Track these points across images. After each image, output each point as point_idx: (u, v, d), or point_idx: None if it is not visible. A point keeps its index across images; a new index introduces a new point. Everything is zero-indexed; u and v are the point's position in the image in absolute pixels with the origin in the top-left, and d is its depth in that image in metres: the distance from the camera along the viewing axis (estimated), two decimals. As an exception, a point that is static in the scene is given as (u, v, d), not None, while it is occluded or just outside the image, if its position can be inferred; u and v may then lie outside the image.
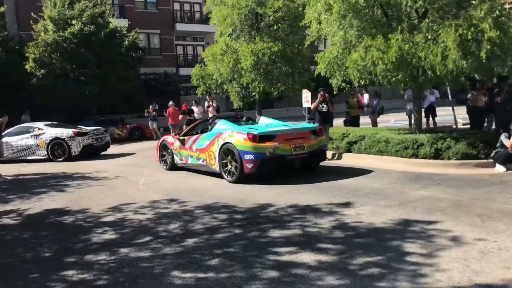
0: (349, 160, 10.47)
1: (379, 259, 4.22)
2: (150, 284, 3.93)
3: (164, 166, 10.92)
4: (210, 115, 16.99)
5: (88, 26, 21.86)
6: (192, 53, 37.46)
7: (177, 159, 10.45)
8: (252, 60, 14.02)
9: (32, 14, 22.65)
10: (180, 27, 35.03)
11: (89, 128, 15.03)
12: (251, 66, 14.13)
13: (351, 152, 10.82)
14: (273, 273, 4.00)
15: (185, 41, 37.17)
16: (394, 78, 9.04)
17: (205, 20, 36.60)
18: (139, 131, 21.65)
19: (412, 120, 15.64)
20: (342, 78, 10.55)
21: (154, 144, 16.65)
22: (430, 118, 15.44)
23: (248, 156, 8.11)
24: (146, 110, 21.09)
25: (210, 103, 16.81)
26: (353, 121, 14.88)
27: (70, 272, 4.29)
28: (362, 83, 9.71)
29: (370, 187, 7.35)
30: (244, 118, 10.38)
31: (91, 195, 8.06)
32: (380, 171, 8.83)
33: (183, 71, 34.89)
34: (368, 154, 10.29)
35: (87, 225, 6.04)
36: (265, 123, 9.74)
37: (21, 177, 11.08)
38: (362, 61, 9.12)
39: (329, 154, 10.91)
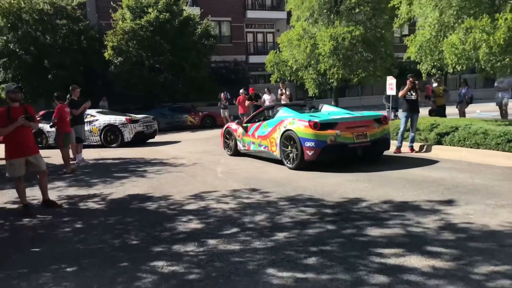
0: (439, 152, 9.62)
1: (507, 269, 3.60)
2: (246, 281, 3.61)
3: (228, 152, 11.12)
4: (283, 103, 16.64)
5: (164, 13, 22.18)
6: (262, 41, 37.13)
7: (240, 145, 10.59)
8: (331, 45, 13.36)
9: (112, 3, 23.37)
10: (251, 14, 34.76)
11: (139, 116, 15.24)
12: (330, 51, 13.49)
13: (441, 144, 9.96)
14: (382, 278, 3.53)
15: (256, 29, 36.88)
16: (499, 63, 8.10)
17: (276, 6, 36.20)
18: (211, 119, 21.74)
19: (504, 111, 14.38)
20: (433, 64, 9.71)
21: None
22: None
23: (309, 144, 8.06)
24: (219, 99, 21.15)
25: (283, 91, 16.37)
26: (439, 111, 13.80)
27: (159, 263, 4.08)
28: (459, 68, 8.83)
29: (472, 184, 6.59)
30: (307, 106, 10.28)
31: (172, 182, 7.96)
32: (478, 166, 7.98)
33: (252, 59, 34.79)
34: (461, 146, 9.40)
35: (171, 212, 5.87)
36: (328, 111, 9.53)
37: (101, 161, 11.33)
38: (461, 44, 8.26)
39: (416, 146, 10.17)
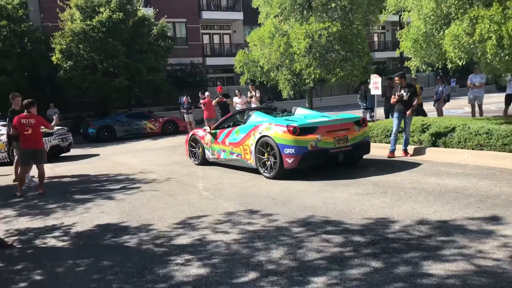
0: (437, 155, 8.85)
1: None
2: None
3: (195, 161, 10.19)
4: (253, 106, 15.56)
5: (117, 13, 20.52)
6: (219, 42, 36.03)
7: (208, 154, 9.71)
8: (307, 43, 12.40)
9: (58, 2, 21.42)
10: (206, 15, 33.53)
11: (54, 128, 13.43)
12: (305, 49, 12.52)
13: (436, 146, 9.22)
14: None
15: (212, 30, 35.78)
16: (508, 57, 7.37)
17: (232, 7, 35.12)
18: (172, 125, 20.28)
19: (476, 109, 13.98)
20: (427, 59, 8.95)
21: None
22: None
23: (288, 150, 7.43)
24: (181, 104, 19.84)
25: (253, 92, 15.28)
26: (418, 109, 13.19)
27: None
28: (461, 63, 8.07)
29: (503, 193, 5.76)
30: (279, 110, 9.58)
31: (148, 204, 6.65)
32: (492, 170, 7.22)
33: (210, 61, 33.66)
34: (461, 148, 8.67)
35: (159, 250, 4.61)
36: (303, 114, 8.80)
37: (56, 179, 9.76)
38: (466, 36, 7.47)
39: (410, 149, 9.35)
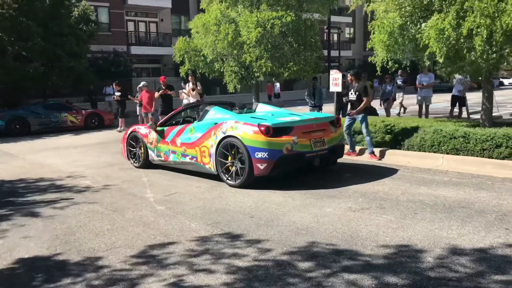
0: (408, 159, 8.17)
1: None
2: None
3: (135, 164, 8.70)
4: (191, 100, 14.14)
5: (32, -12, 17.92)
6: (144, 30, 33.74)
7: (152, 155, 8.29)
8: (258, 33, 11.24)
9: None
10: (131, 0, 31.14)
11: None
12: (256, 39, 11.36)
13: (404, 149, 8.57)
14: None
15: (137, 17, 33.42)
16: (495, 55, 6.79)
17: (159, -7, 32.98)
18: (96, 118, 18.09)
19: (423, 110, 13.80)
20: (395, 55, 8.24)
21: (119, 135, 13.65)
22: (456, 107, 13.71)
23: (260, 154, 6.32)
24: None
25: (194, 85, 13.86)
26: (369, 109, 12.64)
27: None
28: (441, 60, 7.39)
29: (517, 209, 5.07)
30: (237, 105, 8.46)
31: (87, 225, 5.12)
32: (481, 178, 6.61)
33: (135, 50, 31.40)
34: (434, 152, 8.06)
35: (122, 306, 3.22)
36: (268, 112, 7.78)
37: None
38: (452, 30, 6.78)
39: (376, 151, 8.62)
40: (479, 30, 6.56)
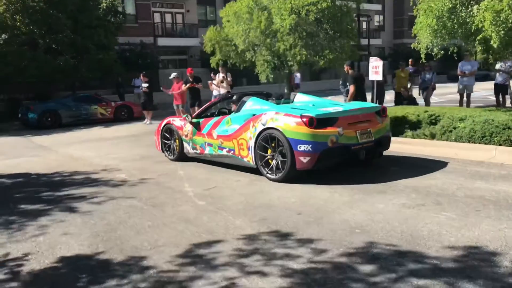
0: (456, 151, 7.68)
1: None
2: None
3: (169, 156, 8.47)
4: (222, 91, 13.88)
5: (61, -19, 17.92)
6: (171, 22, 33.64)
7: (188, 148, 8.02)
8: (292, 20, 10.85)
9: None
10: (158, -9, 31.10)
11: None
12: (290, 27, 10.97)
13: (454, 140, 8.09)
14: None
15: (163, 8, 33.33)
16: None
17: (185, -17, 32.80)
18: (126, 110, 18.05)
19: (465, 99, 13.18)
20: (443, 41, 7.75)
21: (150, 128, 13.53)
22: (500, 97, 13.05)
23: (303, 147, 5.95)
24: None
25: (224, 76, 13.59)
26: (411, 99, 12.16)
27: None
28: (495, 45, 6.88)
29: None
30: (274, 96, 8.05)
31: (127, 221, 4.92)
32: (542, 172, 6.12)
33: (162, 41, 31.35)
34: (485, 144, 7.57)
35: (174, 312, 2.98)
36: (308, 102, 7.39)
37: (-8, 178, 7.69)
38: (509, 9, 6.26)
39: (420, 142, 8.18)
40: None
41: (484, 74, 28.08)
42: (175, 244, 4.14)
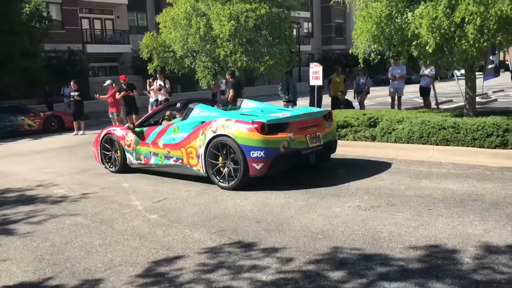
0: (397, 152, 8.02)
1: None
2: None
3: (111, 168, 8.07)
4: (160, 97, 13.55)
5: (-22, -17, 16.61)
6: (100, 28, 32.46)
7: (131, 158, 7.70)
8: (231, 26, 10.79)
9: None
10: (85, -4, 29.86)
11: None
12: (230, 33, 10.91)
13: (392, 141, 8.40)
14: None
15: (92, 14, 32.10)
16: (487, 43, 6.69)
17: (113, -11, 31.73)
18: (56, 120, 17.04)
19: (396, 102, 13.82)
20: (380, 46, 8.05)
21: (84, 138, 12.86)
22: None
23: (256, 153, 5.90)
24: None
25: (162, 83, 13.25)
26: (347, 103, 12.49)
27: None
28: (431, 50, 7.23)
29: (530, 199, 4.93)
30: (218, 103, 8.10)
31: (75, 241, 4.55)
32: (478, 169, 6.50)
33: (91, 48, 30.15)
34: (423, 144, 7.94)
35: None
36: (256, 107, 7.41)
37: None
38: (446, 19, 6.62)
39: (362, 144, 8.43)
40: (472, 17, 6.42)
41: (406, 78, 29.74)
42: (132, 263, 3.88)
